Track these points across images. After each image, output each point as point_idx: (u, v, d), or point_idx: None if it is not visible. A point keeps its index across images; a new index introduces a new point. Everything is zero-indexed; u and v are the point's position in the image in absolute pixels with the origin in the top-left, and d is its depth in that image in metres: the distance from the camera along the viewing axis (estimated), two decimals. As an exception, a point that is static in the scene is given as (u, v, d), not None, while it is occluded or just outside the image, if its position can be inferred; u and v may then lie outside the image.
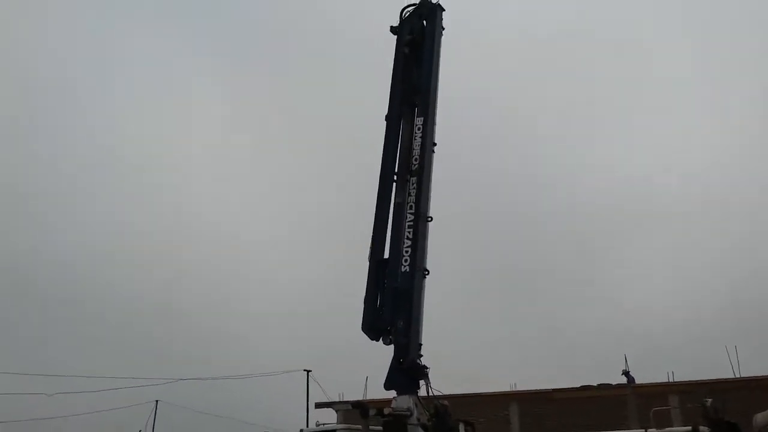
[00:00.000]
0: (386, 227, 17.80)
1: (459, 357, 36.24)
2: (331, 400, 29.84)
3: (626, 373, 26.88)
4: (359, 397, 27.91)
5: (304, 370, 38.09)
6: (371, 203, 18.20)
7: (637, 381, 26.01)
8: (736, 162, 62.17)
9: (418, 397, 16.13)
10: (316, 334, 50.14)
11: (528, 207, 61.69)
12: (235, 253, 66.79)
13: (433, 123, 18.89)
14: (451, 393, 20.22)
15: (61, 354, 49.16)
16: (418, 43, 19.85)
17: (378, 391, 25.12)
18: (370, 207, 18.15)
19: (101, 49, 79.68)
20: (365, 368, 27.73)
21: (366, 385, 28.22)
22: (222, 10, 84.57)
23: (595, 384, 26.86)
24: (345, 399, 29.07)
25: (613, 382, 26.49)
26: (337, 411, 28.54)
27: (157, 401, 42.24)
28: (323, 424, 18.15)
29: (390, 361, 16.59)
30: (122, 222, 66.02)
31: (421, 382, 16.42)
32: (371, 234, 17.81)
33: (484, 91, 60.76)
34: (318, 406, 30.26)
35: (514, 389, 27.20)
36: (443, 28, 20.35)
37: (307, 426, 29.81)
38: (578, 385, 27.03)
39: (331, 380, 35.74)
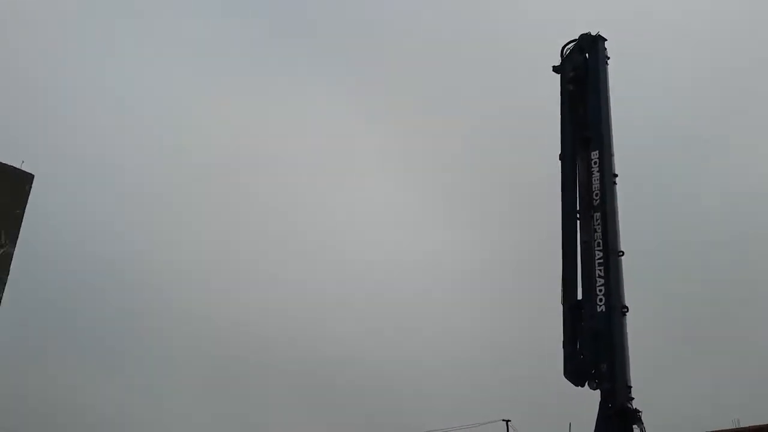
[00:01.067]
0: (576, 268, 17.50)
1: (668, 397, 34.16)
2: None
3: None
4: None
5: (503, 420, 37.47)
6: (555, 246, 17.96)
7: None
8: None
9: (632, 444, 15.39)
10: (511, 381, 49.33)
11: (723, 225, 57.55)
12: (422, 301, 67.43)
13: (611, 154, 18.47)
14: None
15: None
16: (582, 78, 19.65)
17: (584, 437, 24.29)
18: (555, 249, 17.91)
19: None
20: (567, 415, 26.87)
21: (570, 432, 27.31)
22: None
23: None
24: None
25: None
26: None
27: None
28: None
29: (597, 408, 16.01)
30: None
31: (635, 427, 15.70)
32: (561, 276, 17.52)
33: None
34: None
35: (736, 425, 25.17)
36: (608, 58, 19.96)
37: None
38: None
39: (529, 429, 34.91)
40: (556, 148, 19.64)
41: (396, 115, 77.43)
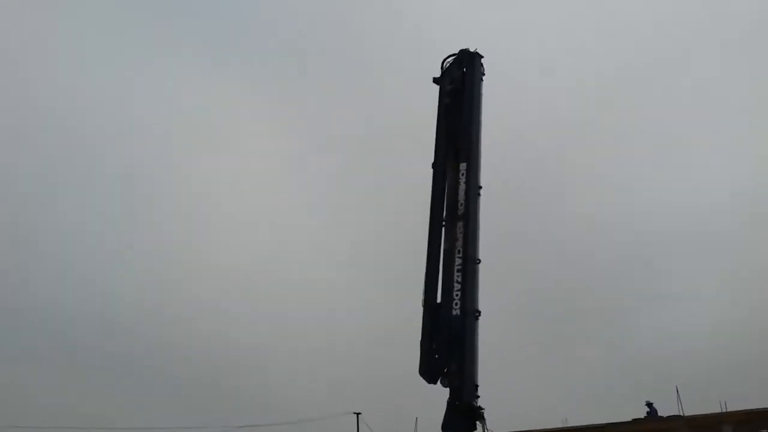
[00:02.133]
0: (437, 272, 18.35)
1: (510, 393, 36.21)
2: (380, 443, 30.17)
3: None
4: (407, 438, 28.22)
5: (354, 412, 38.30)
6: (422, 249, 18.76)
7: (689, 412, 25.74)
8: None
9: (475, 437, 16.49)
10: (361, 376, 50.43)
11: (566, 237, 61.47)
12: (278, 292, 67.39)
13: (477, 167, 19.43)
14: (503, 431, 20.39)
15: (112, 407, 50.22)
16: (459, 92, 20.50)
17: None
18: (422, 253, 18.70)
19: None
20: (415, 409, 28.03)
21: (416, 426, 28.48)
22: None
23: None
24: (395, 440, 29.39)
25: (665, 415, 26.32)
26: (388, 453, 29.02)
27: None
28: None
29: (446, 403, 17.01)
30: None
31: (478, 423, 16.83)
32: (423, 280, 18.34)
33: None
34: (368, 449, 30.97)
35: (565, 425, 27.17)
36: (483, 74, 20.94)
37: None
38: (630, 419, 26.92)
39: (380, 422, 35.85)
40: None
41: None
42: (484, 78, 20.96)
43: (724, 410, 24.55)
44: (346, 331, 59.35)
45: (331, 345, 58.33)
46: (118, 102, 69.57)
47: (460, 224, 18.63)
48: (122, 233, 65.58)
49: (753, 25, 60.99)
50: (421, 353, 17.69)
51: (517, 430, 25.16)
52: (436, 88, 20.91)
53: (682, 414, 25.57)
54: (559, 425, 27.05)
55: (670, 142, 65.18)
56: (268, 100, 78.00)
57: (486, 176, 19.69)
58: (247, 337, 62.89)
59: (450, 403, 16.97)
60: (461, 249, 18.28)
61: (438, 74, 20.98)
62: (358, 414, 38.38)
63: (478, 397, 17.03)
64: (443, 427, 16.88)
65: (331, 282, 66.82)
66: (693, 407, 25.89)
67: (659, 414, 26.38)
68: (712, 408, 24.96)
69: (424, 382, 17.75)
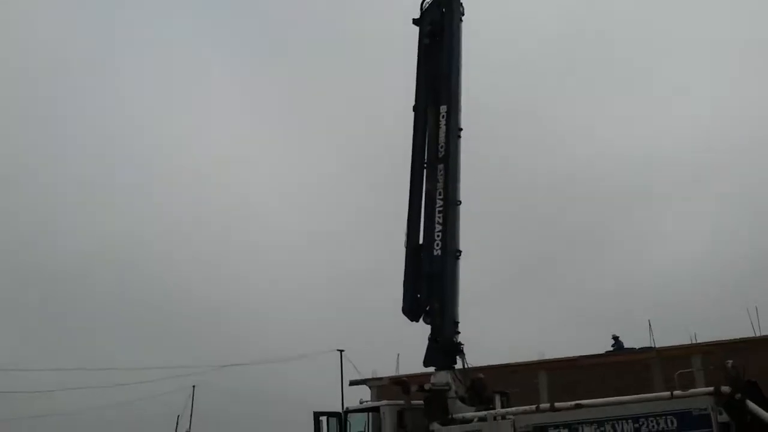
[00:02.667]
0: (420, 214, 18.70)
1: (489, 330, 37.19)
2: (364, 378, 31.02)
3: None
4: (391, 374, 29.10)
5: (338, 350, 38.79)
6: (404, 192, 19.08)
7: (661, 344, 26.69)
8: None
9: (455, 372, 17.12)
10: (345, 315, 51.55)
11: (548, 176, 62.26)
12: (266, 239, 68.36)
13: (458, 110, 19.49)
14: (483, 365, 21.14)
15: (98, 346, 51.17)
16: (437, 33, 20.38)
17: (409, 367, 26.39)
18: (404, 196, 19.04)
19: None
20: (396, 345, 28.90)
21: (398, 362, 29.35)
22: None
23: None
24: (378, 376, 30.26)
25: (637, 346, 27.28)
26: (371, 387, 29.92)
27: (194, 386, 43.67)
28: (366, 402, 19.12)
29: (427, 340, 17.62)
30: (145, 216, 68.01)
31: (458, 358, 17.47)
32: (406, 222, 18.73)
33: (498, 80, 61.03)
34: (352, 383, 31.83)
35: (542, 358, 28.12)
36: (462, 15, 20.79)
37: (343, 403, 31.01)
38: (604, 351, 27.90)
39: (362, 359, 36.71)
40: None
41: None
42: (463, 18, 20.86)
43: (693, 342, 25.65)
44: (328, 274, 60.58)
45: (315, 287, 59.56)
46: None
47: (440, 167, 18.78)
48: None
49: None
50: (404, 292, 18.18)
51: (496, 363, 26.23)
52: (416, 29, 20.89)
53: (653, 346, 26.64)
54: (536, 358, 28.17)
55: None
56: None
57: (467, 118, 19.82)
58: (232, 280, 64.07)
59: (431, 340, 17.48)
60: (442, 191, 18.51)
61: (418, 15, 20.86)
62: (341, 351, 38.79)
63: (459, 333, 17.59)
64: (425, 362, 17.47)
65: (313, 224, 67.77)
66: (664, 339, 27.01)
67: (626, 346, 27.48)
68: (683, 340, 26.09)
69: (406, 320, 18.31)
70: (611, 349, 27.59)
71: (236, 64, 78.94)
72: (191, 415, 43.64)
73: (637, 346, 27.24)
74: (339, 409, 18.71)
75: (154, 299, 59.35)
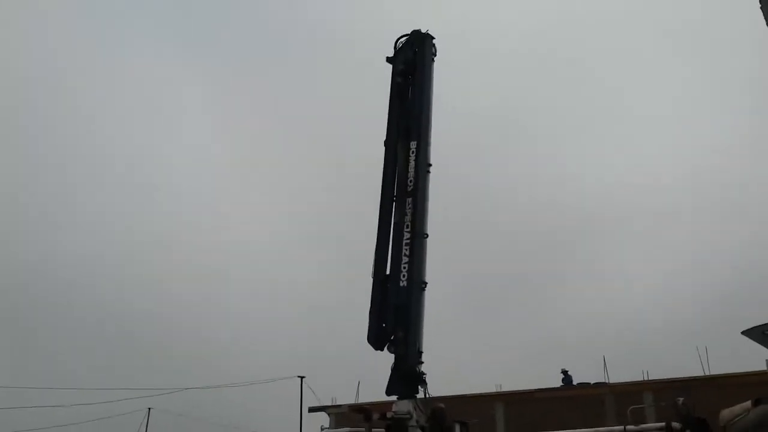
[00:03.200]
0: (388, 246, 19.13)
1: (447, 361, 37.63)
2: (323, 405, 31.18)
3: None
4: (350, 401, 29.34)
5: (298, 376, 39.03)
6: (370, 219, 19.55)
7: (614, 380, 27.39)
8: (720, 164, 64.30)
9: (416, 401, 17.37)
10: (305, 342, 51.58)
11: (504, 216, 63.63)
12: (224, 259, 68.19)
13: (427, 145, 20.13)
14: (442, 395, 21.49)
15: (55, 365, 50.32)
16: (410, 72, 21.18)
17: (368, 395, 26.70)
18: (371, 224, 19.50)
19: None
20: (356, 373, 29.18)
21: (358, 390, 29.58)
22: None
23: (574, 383, 28.41)
24: (337, 403, 30.46)
25: (592, 381, 27.95)
26: (329, 414, 30.10)
27: (149, 409, 43.17)
28: (327, 429, 19.33)
29: (390, 369, 17.93)
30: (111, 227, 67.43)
31: (420, 388, 17.79)
32: (374, 253, 19.14)
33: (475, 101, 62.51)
34: (312, 410, 31.99)
35: (499, 390, 28.62)
36: (434, 55, 21.60)
37: (301, 430, 31.12)
38: (559, 385, 28.54)
39: (321, 386, 36.82)
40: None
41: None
42: (435, 58, 21.62)
43: (645, 378, 26.39)
44: (292, 304, 60.67)
45: (278, 317, 59.56)
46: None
47: (409, 200, 19.27)
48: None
49: None
50: (369, 322, 18.48)
51: (456, 394, 26.65)
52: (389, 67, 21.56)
53: (607, 381, 27.35)
54: (493, 390, 28.68)
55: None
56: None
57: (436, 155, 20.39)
58: (199, 306, 63.63)
59: (394, 369, 17.76)
60: (410, 223, 18.96)
61: (392, 54, 21.57)
62: (302, 378, 39.06)
63: (422, 363, 17.94)
64: (387, 390, 17.71)
65: (276, 255, 67.92)
66: (617, 375, 27.74)
67: (582, 381, 28.20)
68: (635, 376, 26.81)
69: (366, 349, 18.62)
70: (561, 383, 28.32)
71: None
72: (147, 438, 43.11)
73: (591, 381, 27.95)
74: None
75: (112, 320, 58.53)
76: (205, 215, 73.22)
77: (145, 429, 43.28)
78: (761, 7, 15.33)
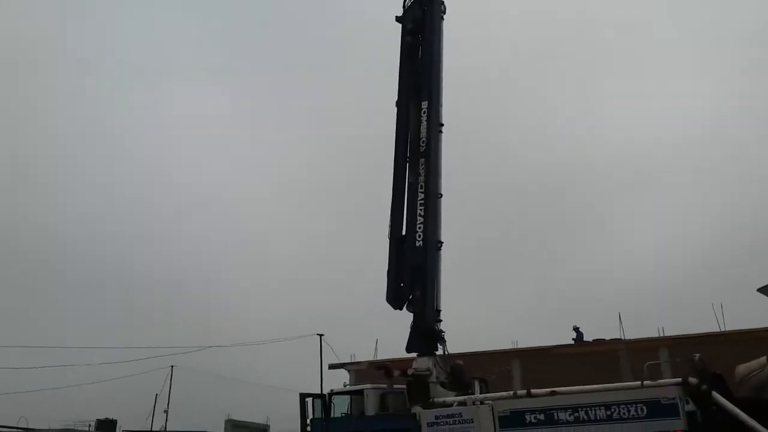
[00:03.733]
0: (402, 206, 19.21)
1: (467, 318, 37.85)
2: (342, 362, 31.61)
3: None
4: (368, 359, 29.77)
5: (317, 334, 39.45)
6: (388, 186, 19.55)
7: (630, 336, 27.49)
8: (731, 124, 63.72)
9: (436, 358, 17.69)
10: (322, 301, 52.15)
11: (521, 175, 63.42)
12: (242, 223, 68.86)
13: (438, 105, 20.00)
14: (460, 351, 21.72)
15: (84, 328, 51.45)
16: (419, 31, 20.96)
17: (385, 353, 27.04)
18: (387, 190, 19.52)
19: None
20: (376, 331, 29.54)
21: (376, 347, 29.99)
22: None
23: (590, 340, 28.57)
24: (356, 360, 30.89)
25: (607, 338, 28.09)
26: (349, 371, 30.54)
27: (172, 367, 44.03)
28: (348, 385, 19.66)
29: (410, 327, 18.16)
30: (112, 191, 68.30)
31: (439, 345, 18.03)
32: (390, 214, 19.24)
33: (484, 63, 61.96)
34: (332, 367, 32.42)
35: (515, 347, 28.88)
36: (443, 13, 21.32)
37: (322, 386, 31.60)
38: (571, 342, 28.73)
39: (340, 343, 37.14)
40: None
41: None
42: (444, 16, 21.38)
43: (661, 335, 26.52)
44: (312, 263, 61.30)
45: (298, 275, 60.24)
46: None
47: (422, 160, 19.28)
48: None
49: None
50: (387, 282, 18.67)
51: (473, 351, 26.92)
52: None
53: (623, 338, 27.50)
54: (510, 347, 28.94)
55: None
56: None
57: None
58: (220, 265, 64.46)
59: (413, 327, 18.03)
60: (423, 184, 19.00)
61: (401, 13, 21.44)
62: (321, 335, 39.38)
63: (441, 321, 18.16)
64: (407, 348, 17.98)
65: (295, 216, 68.46)
66: (633, 332, 27.90)
67: (597, 338, 28.34)
68: (651, 333, 26.96)
69: (383, 308, 18.83)
70: (573, 340, 28.52)
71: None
72: (169, 395, 44.00)
73: (606, 338, 28.08)
74: (318, 390, 19.19)
75: (136, 281, 59.61)
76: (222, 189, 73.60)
77: (168, 385, 44.21)
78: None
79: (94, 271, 59.81)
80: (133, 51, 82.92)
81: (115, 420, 39.86)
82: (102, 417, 39.33)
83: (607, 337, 28.07)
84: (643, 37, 72.05)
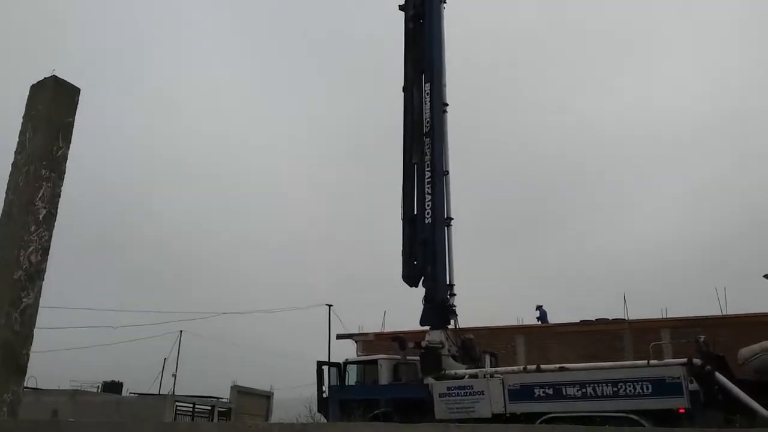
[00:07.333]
0: (413, 187, 19.69)
1: (473, 295, 38.36)
2: (350, 333, 32.16)
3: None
4: (375, 329, 30.35)
5: (326, 304, 39.56)
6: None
7: (634, 317, 27.82)
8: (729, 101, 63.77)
9: (447, 331, 18.21)
10: (334, 275, 52.81)
11: (529, 156, 63.72)
12: (255, 193, 69.48)
13: (440, 86, 20.50)
14: (466, 326, 22.27)
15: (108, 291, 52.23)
16: (421, 17, 21.38)
17: (392, 325, 27.62)
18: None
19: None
20: (381, 304, 30.10)
21: (384, 319, 30.52)
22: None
23: (593, 319, 29.01)
24: (364, 331, 31.46)
25: (610, 317, 28.51)
26: (356, 341, 31.11)
27: (180, 331, 44.67)
28: (361, 356, 20.27)
29: (422, 301, 18.70)
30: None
31: (450, 318, 18.58)
32: (402, 194, 19.75)
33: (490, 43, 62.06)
34: (339, 337, 32.97)
35: (521, 323, 29.40)
36: (444, 1, 21.87)
37: (329, 355, 32.21)
38: (578, 320, 29.16)
39: (349, 314, 37.38)
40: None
41: None
42: (445, 2, 21.93)
43: (664, 316, 26.94)
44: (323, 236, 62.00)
45: (310, 247, 61.00)
46: None
47: (427, 140, 19.75)
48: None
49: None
50: (402, 261, 19.18)
51: (479, 326, 27.47)
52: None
53: (626, 318, 27.95)
54: (515, 323, 29.46)
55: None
56: None
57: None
58: (235, 233, 65.28)
59: (426, 301, 18.53)
60: (429, 163, 19.49)
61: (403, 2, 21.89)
62: (330, 306, 39.62)
63: (454, 295, 18.68)
64: (421, 321, 18.49)
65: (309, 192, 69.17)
66: (636, 312, 28.36)
67: (601, 317, 28.74)
68: (654, 314, 27.41)
69: (392, 282, 19.46)
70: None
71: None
72: (177, 360, 44.71)
73: (609, 317, 28.51)
74: (324, 359, 19.80)
75: (147, 248, 60.43)
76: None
77: (177, 350, 44.87)
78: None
79: (105, 236, 60.54)
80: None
81: (121, 382, 40.46)
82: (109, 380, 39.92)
83: (610, 317, 28.49)
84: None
